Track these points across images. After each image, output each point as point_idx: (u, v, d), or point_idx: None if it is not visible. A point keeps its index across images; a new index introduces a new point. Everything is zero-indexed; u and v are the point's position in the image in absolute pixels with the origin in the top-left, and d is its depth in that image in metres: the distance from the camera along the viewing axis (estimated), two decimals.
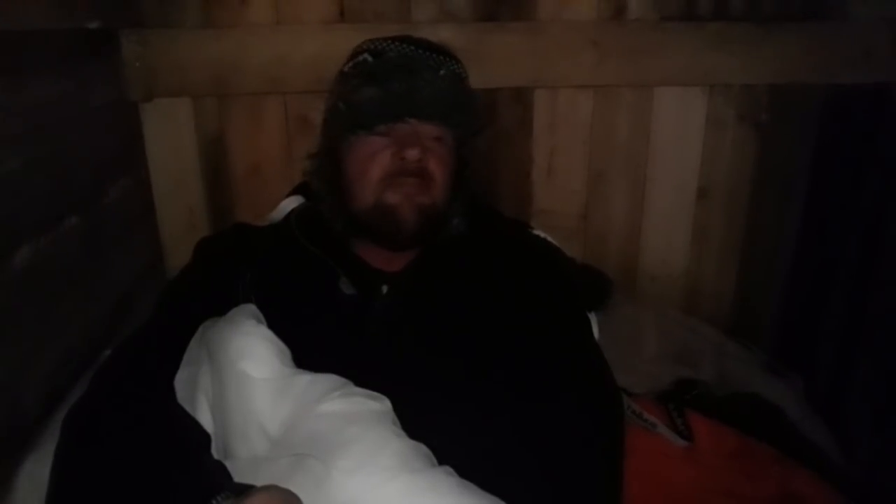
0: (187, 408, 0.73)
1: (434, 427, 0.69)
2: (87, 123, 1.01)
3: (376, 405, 0.68)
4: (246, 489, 0.59)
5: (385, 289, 0.87)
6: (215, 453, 0.71)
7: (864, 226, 1.25)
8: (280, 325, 0.77)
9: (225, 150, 1.26)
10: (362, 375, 0.73)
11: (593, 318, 1.01)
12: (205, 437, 0.71)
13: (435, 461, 0.65)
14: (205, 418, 0.73)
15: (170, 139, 1.23)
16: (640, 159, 1.32)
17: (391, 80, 0.87)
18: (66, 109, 0.94)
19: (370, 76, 0.89)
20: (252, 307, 0.80)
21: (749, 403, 1.11)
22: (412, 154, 0.85)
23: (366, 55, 0.92)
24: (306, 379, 0.70)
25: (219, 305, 0.81)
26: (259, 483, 0.59)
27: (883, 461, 1.15)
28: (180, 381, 0.76)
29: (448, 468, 0.64)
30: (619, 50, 1.22)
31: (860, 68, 1.23)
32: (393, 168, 0.87)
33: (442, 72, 0.91)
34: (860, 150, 1.26)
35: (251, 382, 0.69)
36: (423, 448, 0.65)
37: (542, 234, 1.04)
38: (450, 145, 0.91)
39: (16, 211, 0.81)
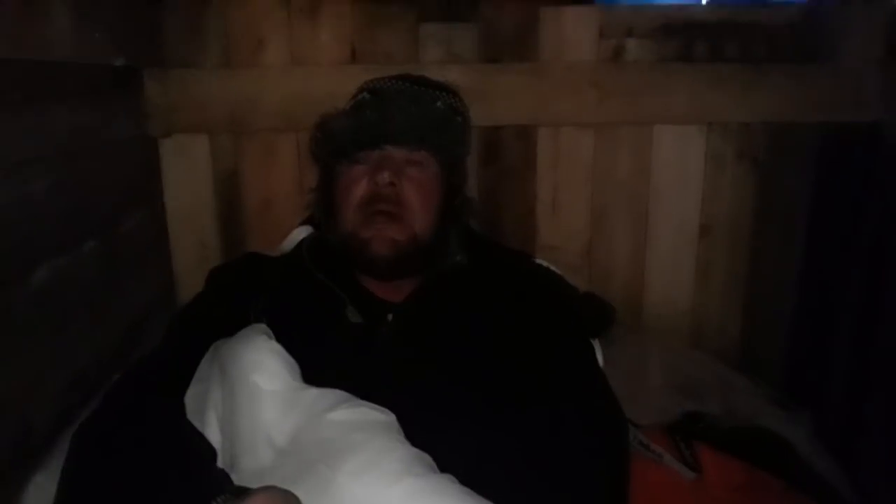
0: (196, 423, 0.74)
1: (438, 445, 0.70)
2: (108, 154, 1.05)
3: (382, 416, 0.69)
4: (245, 490, 0.59)
5: (390, 317, 0.89)
6: (221, 467, 0.72)
7: (866, 260, 1.26)
8: (289, 349, 0.78)
9: (238, 185, 1.31)
10: (367, 397, 0.74)
11: (597, 345, 1.02)
12: (210, 451, 0.72)
13: (437, 470, 0.65)
14: (213, 434, 0.74)
15: (186, 174, 1.28)
16: (642, 196, 1.35)
17: (364, 110, 0.92)
18: (89, 139, 0.99)
19: (351, 109, 0.94)
20: (263, 326, 0.82)
21: (757, 436, 1.10)
22: (382, 178, 0.88)
23: (365, 93, 0.98)
24: (314, 392, 0.71)
25: (230, 329, 0.83)
26: None
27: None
28: (191, 396, 0.77)
29: (450, 476, 0.64)
30: (618, 90, 1.27)
31: (852, 108, 1.26)
32: (368, 193, 0.90)
33: (425, 100, 0.95)
34: (858, 186, 1.28)
35: (261, 394, 0.70)
36: (427, 457, 0.66)
37: (545, 263, 1.07)
38: (433, 171, 0.93)
39: (37, 230, 0.84)
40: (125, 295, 1.10)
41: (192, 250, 1.30)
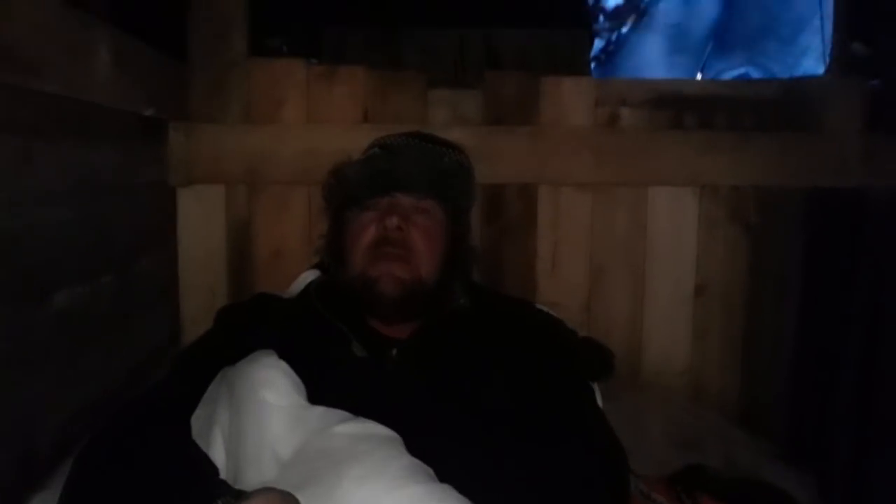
0: (202, 444, 0.75)
1: (441, 473, 0.71)
2: (129, 197, 1.11)
3: (386, 431, 0.70)
4: (244, 493, 0.60)
5: (395, 352, 0.91)
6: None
7: (861, 319, 1.29)
8: None
9: (250, 235, 1.36)
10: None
11: (596, 389, 1.03)
12: (213, 467, 0.72)
13: (438, 481, 0.66)
14: (218, 454, 0.75)
15: (201, 222, 1.33)
16: (639, 255, 1.40)
17: (376, 160, 0.99)
18: (114, 180, 1.04)
19: (369, 158, 1.00)
20: (271, 351, 0.84)
21: (759, 489, 1.09)
22: (391, 222, 0.93)
23: (375, 148, 1.05)
24: (320, 409, 0.73)
25: (237, 359, 0.85)
26: None
27: None
28: (197, 418, 0.78)
29: (450, 486, 0.65)
30: (613, 153, 1.34)
31: (836, 174, 1.34)
32: (377, 237, 0.94)
33: (432, 154, 1.01)
34: (847, 248, 1.33)
35: (269, 409, 0.72)
36: (429, 468, 0.66)
37: (545, 308, 1.10)
38: (438, 219, 0.98)
39: (61, 256, 0.88)
40: (135, 333, 1.12)
41: (201, 297, 1.34)
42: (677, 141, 1.35)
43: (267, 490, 0.59)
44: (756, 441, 1.22)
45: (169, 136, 1.26)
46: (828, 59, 1.59)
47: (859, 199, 1.31)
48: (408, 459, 0.65)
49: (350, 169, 1.00)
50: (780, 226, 1.38)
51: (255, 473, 0.69)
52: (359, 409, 0.78)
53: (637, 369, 1.41)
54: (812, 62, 1.79)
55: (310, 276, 1.14)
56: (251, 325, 0.95)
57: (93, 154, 0.96)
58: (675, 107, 1.38)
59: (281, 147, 1.32)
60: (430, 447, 0.72)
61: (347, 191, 0.98)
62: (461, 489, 0.68)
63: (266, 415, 0.71)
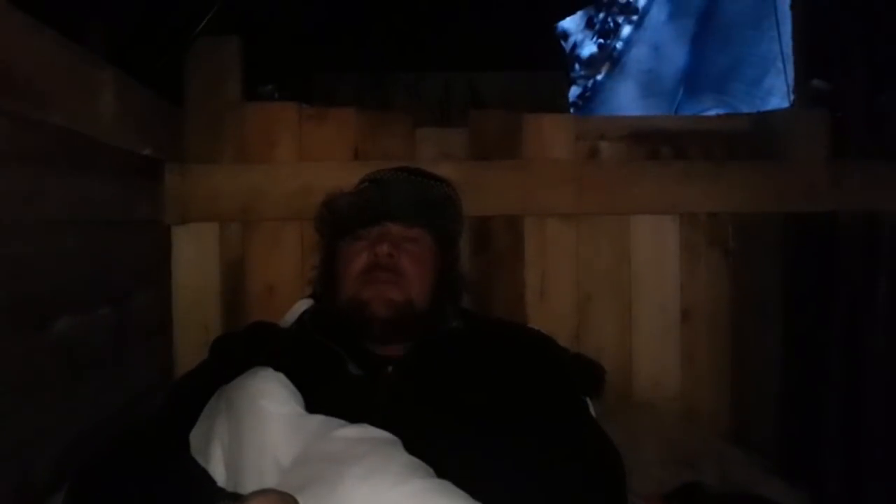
0: (201, 459, 0.76)
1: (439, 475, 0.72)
2: (126, 232, 1.14)
3: (385, 434, 0.71)
4: (242, 496, 0.61)
5: (390, 369, 0.93)
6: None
7: (841, 336, 1.33)
8: None
9: (244, 272, 1.38)
10: None
11: (590, 404, 1.05)
12: (210, 479, 0.73)
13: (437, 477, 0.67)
14: (218, 468, 0.76)
15: (195, 259, 1.36)
16: (624, 282, 1.44)
17: (366, 192, 1.03)
18: (112, 214, 1.07)
19: (360, 191, 1.05)
20: (268, 367, 0.86)
21: (755, 503, 1.10)
22: (382, 249, 0.97)
23: (366, 182, 1.09)
24: (320, 418, 0.74)
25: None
26: None
27: None
28: (196, 435, 0.79)
29: (450, 482, 0.66)
30: (595, 184, 1.40)
31: (806, 200, 1.40)
32: (368, 263, 0.98)
33: (421, 186, 1.06)
34: (824, 268, 1.38)
35: (269, 416, 0.73)
36: (428, 467, 0.68)
37: (536, 327, 1.12)
38: (428, 246, 1.02)
39: (62, 284, 0.90)
40: (130, 366, 1.13)
41: (195, 332, 1.34)
42: (656, 171, 1.41)
43: (265, 490, 0.60)
44: (750, 457, 1.23)
45: (165, 175, 1.29)
46: (792, 97, 1.68)
47: (830, 223, 1.37)
48: (408, 458, 0.66)
49: (342, 200, 1.04)
50: (758, 250, 1.44)
51: (257, 482, 0.70)
52: (356, 422, 0.79)
53: (628, 394, 1.42)
54: (777, 101, 1.89)
55: (304, 304, 1.16)
56: (246, 350, 0.96)
57: (95, 187, 1.00)
58: (651, 140, 1.45)
59: (274, 185, 1.36)
60: (427, 458, 0.73)
61: (339, 221, 1.02)
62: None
63: (266, 423, 0.72)
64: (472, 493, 0.69)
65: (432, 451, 0.74)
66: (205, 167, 1.34)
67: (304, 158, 1.39)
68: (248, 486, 0.70)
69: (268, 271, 1.39)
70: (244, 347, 0.97)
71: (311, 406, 0.80)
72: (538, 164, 1.41)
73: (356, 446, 0.66)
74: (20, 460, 0.81)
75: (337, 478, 0.61)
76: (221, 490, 0.65)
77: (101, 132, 0.97)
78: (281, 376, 0.79)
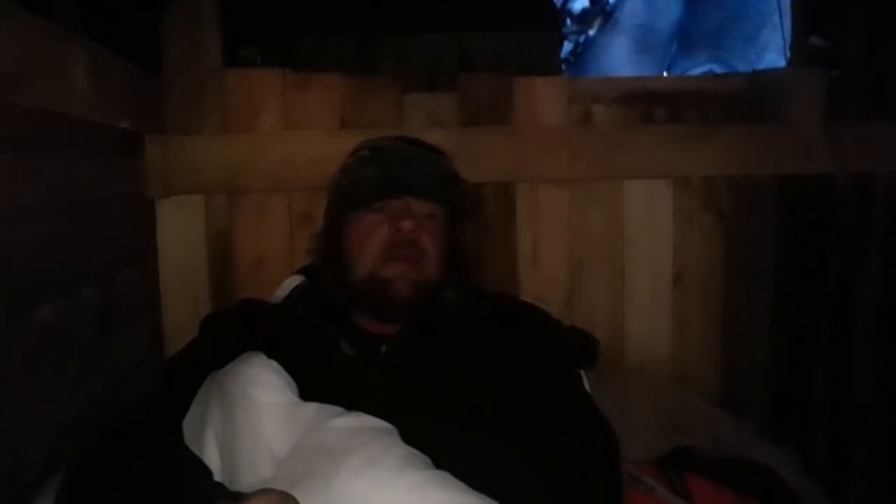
0: (194, 447, 0.75)
1: (433, 461, 0.71)
2: (108, 209, 1.10)
3: (381, 423, 0.71)
4: (242, 495, 0.60)
5: (384, 348, 0.92)
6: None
7: (833, 299, 1.33)
8: None
9: (231, 245, 1.35)
10: None
11: (584, 376, 1.05)
12: (206, 471, 0.72)
13: (435, 468, 0.67)
14: (212, 456, 0.75)
15: (180, 233, 1.33)
16: (617, 248, 1.43)
17: (389, 163, 0.99)
18: (93, 192, 1.04)
19: (371, 161, 1.01)
20: (260, 353, 0.85)
21: (746, 467, 1.12)
22: (406, 225, 0.94)
23: (365, 151, 1.05)
24: (314, 406, 0.74)
25: (225, 363, 0.85)
26: None
27: None
28: (189, 422, 0.78)
29: (448, 473, 0.66)
30: (588, 149, 1.37)
31: (801, 162, 1.38)
32: (389, 240, 0.95)
33: (434, 159, 1.03)
34: (816, 232, 1.38)
35: (262, 407, 0.72)
36: (425, 457, 0.67)
37: (529, 300, 1.12)
38: (442, 223, 1.01)
39: (42, 270, 0.88)
40: (119, 346, 1.11)
41: (184, 306, 1.33)
42: (649, 135, 1.38)
43: (266, 490, 0.59)
44: (740, 421, 1.25)
45: (146, 148, 1.25)
46: (788, 54, 1.64)
47: (825, 185, 1.36)
48: (404, 448, 0.65)
49: (364, 170, 0.99)
50: (752, 213, 1.42)
51: (252, 473, 0.69)
52: (351, 405, 0.78)
53: (620, 359, 1.43)
54: (773, 57, 1.84)
55: (294, 281, 1.14)
56: (237, 332, 0.95)
57: (72, 167, 0.96)
58: (645, 103, 1.42)
59: (259, 155, 1.32)
60: (423, 438, 0.73)
61: (359, 192, 0.98)
62: (456, 477, 0.68)
63: (258, 413, 0.71)
64: (468, 476, 0.69)
65: (427, 435, 0.74)
66: (186, 138, 1.30)
67: (289, 127, 1.35)
68: (243, 477, 0.70)
69: (255, 243, 1.36)
70: (235, 329, 0.96)
71: (305, 389, 0.80)
72: (530, 129, 1.37)
73: (351, 437, 0.65)
74: (12, 448, 0.80)
75: (332, 471, 0.61)
76: (220, 487, 0.64)
77: (75, 109, 0.93)
78: (273, 363, 0.78)
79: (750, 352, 1.43)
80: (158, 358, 1.28)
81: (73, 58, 0.91)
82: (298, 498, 0.59)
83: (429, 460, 0.67)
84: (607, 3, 2.38)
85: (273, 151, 1.32)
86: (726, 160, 1.38)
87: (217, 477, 0.73)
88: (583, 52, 2.36)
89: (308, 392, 0.80)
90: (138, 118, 1.19)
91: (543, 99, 1.39)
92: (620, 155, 1.38)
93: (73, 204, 0.97)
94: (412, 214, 0.96)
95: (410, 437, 0.72)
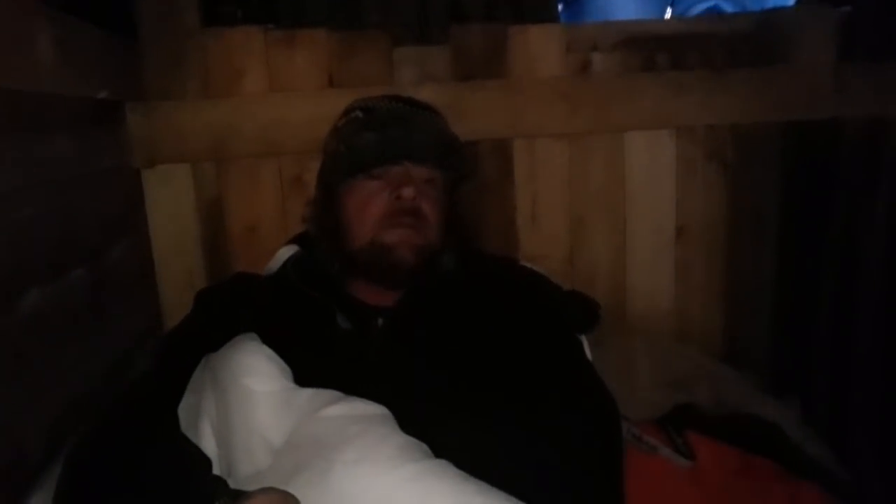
0: (191, 435, 0.75)
1: (433, 445, 0.71)
2: (92, 185, 1.06)
3: (376, 409, 0.70)
4: (243, 494, 0.59)
5: (381, 321, 0.90)
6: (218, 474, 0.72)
7: (837, 251, 1.30)
8: (281, 358, 0.79)
9: (222, 213, 1.32)
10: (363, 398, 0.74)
11: (584, 341, 1.04)
12: (206, 462, 0.72)
13: (433, 456, 0.66)
14: (208, 443, 0.75)
15: (170, 203, 1.29)
16: (618, 202, 1.39)
17: (388, 128, 0.95)
18: (74, 169, 1.00)
19: (368, 124, 0.96)
20: (253, 334, 0.83)
21: (747, 423, 1.13)
22: (408, 192, 0.91)
23: (357, 111, 1.01)
24: (308, 392, 0.72)
25: (220, 344, 0.83)
26: None
27: (887, 481, 1.14)
28: (184, 408, 0.78)
29: (446, 461, 0.65)
30: (588, 100, 1.32)
31: (809, 107, 1.33)
32: (390, 208, 0.92)
33: (429, 123, 0.99)
34: (822, 180, 1.34)
35: (254, 396, 0.71)
36: (423, 445, 0.66)
37: (529, 265, 1.09)
38: (441, 189, 0.98)
39: (26, 256, 0.85)
40: (114, 323, 1.10)
41: (179, 278, 1.31)
42: (651, 83, 1.32)
43: (267, 490, 0.58)
44: (742, 376, 1.24)
45: (127, 117, 1.20)
46: None
47: (833, 131, 1.31)
48: (401, 438, 0.64)
49: (361, 136, 0.95)
50: (757, 162, 1.38)
51: (248, 463, 0.68)
52: (348, 383, 0.77)
53: (622, 314, 1.42)
54: None
55: (287, 251, 1.11)
56: (231, 308, 0.93)
57: (49, 146, 0.92)
58: (646, 48, 1.35)
59: (245, 120, 1.27)
60: (421, 417, 0.72)
61: (357, 159, 0.94)
62: (455, 459, 0.68)
63: (251, 403, 0.70)
64: (465, 458, 0.69)
65: (424, 414, 0.73)
66: (168, 104, 1.25)
67: (275, 88, 1.29)
68: (240, 467, 0.70)
69: (247, 211, 1.33)
70: (228, 306, 0.94)
71: (300, 368, 0.78)
72: (526, 82, 1.32)
73: (346, 427, 0.64)
74: (11, 438, 0.80)
75: (327, 464, 0.60)
76: (221, 483, 0.63)
77: (44, 84, 0.88)
78: (266, 349, 0.76)
79: (753, 304, 1.42)
80: (157, 331, 1.27)
81: (36, 30, 0.86)
82: (294, 493, 0.58)
83: (426, 448, 0.66)
84: None
85: (260, 114, 1.27)
86: (732, 107, 1.33)
87: (215, 464, 0.72)
88: None
89: (303, 372, 0.78)
90: (116, 86, 1.13)
91: (539, 48, 1.33)
92: (621, 105, 1.32)
93: (54, 184, 0.93)
94: (412, 181, 0.93)
95: (407, 420, 0.72)
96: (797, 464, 1.05)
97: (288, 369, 0.76)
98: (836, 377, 1.27)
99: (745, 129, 1.36)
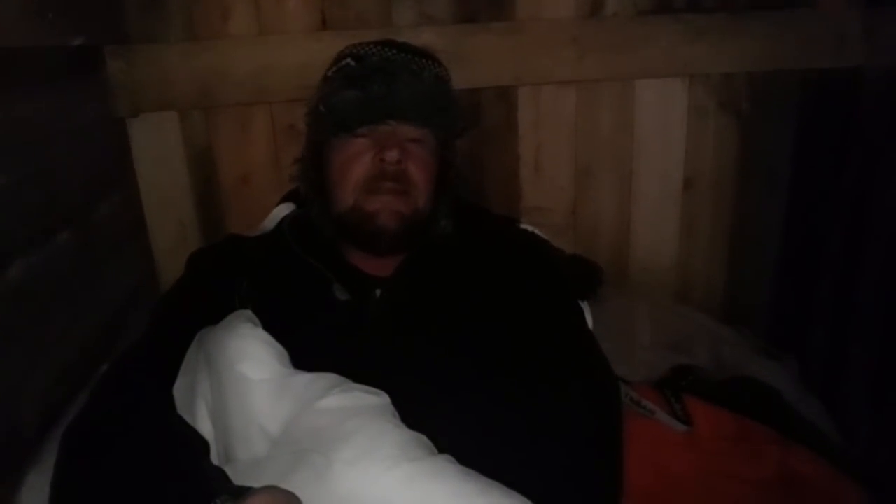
0: (187, 415, 0.74)
1: (432, 420, 0.70)
2: (75, 140, 1.01)
3: (375, 399, 0.68)
4: (245, 491, 0.58)
5: (378, 293, 0.88)
6: (215, 459, 0.72)
7: (848, 208, 1.27)
8: (276, 331, 0.77)
9: (213, 162, 1.27)
10: (360, 376, 0.73)
11: (586, 308, 1.02)
12: (203, 445, 0.71)
13: (435, 451, 0.65)
14: (204, 425, 0.74)
15: (158, 153, 1.24)
16: (626, 152, 1.34)
17: (371, 83, 0.88)
18: (54, 126, 0.94)
19: (351, 79, 0.90)
20: (248, 312, 0.81)
21: (746, 386, 1.12)
22: (391, 155, 0.86)
23: (348, 59, 0.94)
24: (305, 378, 0.70)
25: (214, 315, 0.82)
26: (260, 483, 0.60)
27: (881, 439, 1.16)
28: (179, 389, 0.76)
29: (448, 456, 0.64)
30: (598, 45, 1.24)
31: (834, 54, 1.25)
32: (373, 171, 0.88)
33: (424, 74, 0.92)
34: (840, 133, 1.28)
35: (250, 384, 0.69)
36: (423, 438, 0.66)
37: (531, 228, 1.06)
38: (431, 147, 0.92)
39: (7, 225, 0.81)
40: (105, 282, 1.07)
41: (172, 230, 1.28)
42: (666, 28, 1.24)
43: (269, 489, 0.57)
44: (741, 336, 1.24)
45: (107, 63, 1.13)
46: None
47: (856, 81, 1.24)
48: (399, 434, 0.63)
49: (340, 96, 0.89)
50: (773, 113, 1.32)
51: (245, 450, 0.68)
52: (345, 357, 0.76)
53: (625, 267, 1.40)
54: None
55: (283, 209, 1.08)
56: (224, 276, 0.90)
57: (22, 104, 0.86)
58: None
59: (233, 64, 1.20)
60: (417, 398, 0.71)
61: (340, 117, 0.88)
62: (451, 436, 0.68)
63: (247, 391, 0.68)
64: (464, 439, 0.68)
65: (422, 391, 0.72)
66: (151, 48, 1.17)
67: (265, 31, 1.21)
68: (237, 453, 0.69)
69: (239, 160, 1.28)
70: (222, 273, 0.91)
71: (296, 342, 0.76)
72: (533, 25, 1.23)
73: (344, 421, 0.63)
74: (5, 409, 0.79)
75: (325, 462, 0.59)
76: (221, 477, 0.62)
77: (11, 36, 0.82)
78: (260, 332, 0.74)
79: (757, 257, 1.39)
80: (151, 286, 1.25)
81: None
82: (293, 490, 0.57)
83: (427, 441, 0.65)
84: None
85: (249, 59, 1.20)
86: (749, 55, 1.25)
87: (212, 448, 0.72)
88: None
89: (299, 345, 0.76)
90: (94, 31, 1.06)
91: None
92: (633, 52, 1.25)
93: (32, 144, 0.88)
94: (397, 142, 0.88)
95: (405, 397, 0.70)
96: (791, 427, 1.05)
97: (284, 352, 0.74)
98: (836, 338, 1.26)
99: (763, 77, 1.29)
